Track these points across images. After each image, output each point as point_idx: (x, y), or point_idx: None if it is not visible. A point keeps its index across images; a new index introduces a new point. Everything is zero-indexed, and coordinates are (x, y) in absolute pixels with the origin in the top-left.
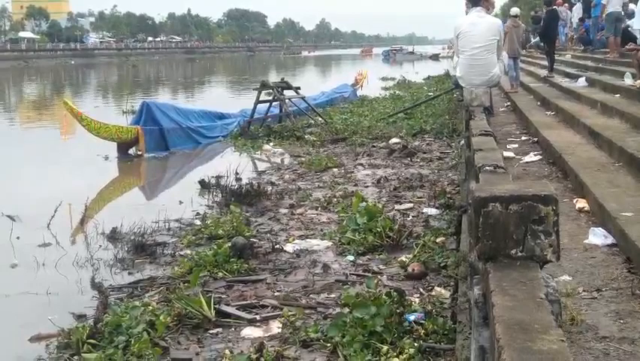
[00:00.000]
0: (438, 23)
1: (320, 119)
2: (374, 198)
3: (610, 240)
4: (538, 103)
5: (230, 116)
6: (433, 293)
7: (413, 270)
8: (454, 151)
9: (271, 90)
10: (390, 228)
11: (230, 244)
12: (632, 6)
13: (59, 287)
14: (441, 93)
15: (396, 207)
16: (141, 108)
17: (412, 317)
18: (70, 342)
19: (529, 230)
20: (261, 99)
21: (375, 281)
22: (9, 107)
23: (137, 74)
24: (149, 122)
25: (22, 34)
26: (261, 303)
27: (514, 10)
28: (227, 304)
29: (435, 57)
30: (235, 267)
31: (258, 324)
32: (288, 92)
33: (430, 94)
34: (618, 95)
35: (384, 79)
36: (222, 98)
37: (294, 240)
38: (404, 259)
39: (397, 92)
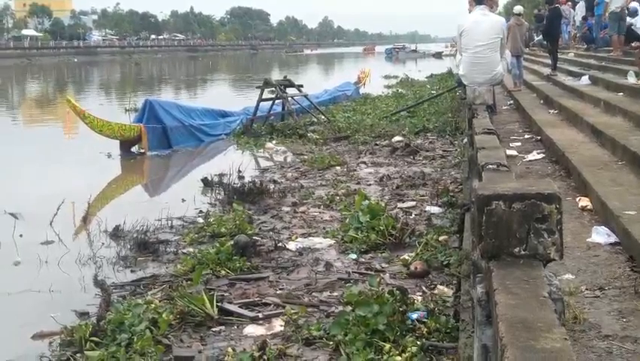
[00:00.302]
0: (441, 21)
1: (323, 117)
2: (377, 196)
3: (613, 238)
4: (541, 101)
5: (232, 114)
6: (436, 292)
7: (416, 268)
8: (456, 149)
9: (274, 88)
10: (393, 226)
11: (232, 242)
12: (634, 4)
13: (62, 285)
14: (444, 91)
15: (399, 205)
16: (144, 106)
17: (414, 316)
18: (72, 340)
19: (532, 228)
20: (263, 97)
21: (378, 279)
22: (12, 105)
23: (139, 72)
24: (152, 120)
25: (25, 32)
26: (263, 301)
27: (518, 9)
28: (230, 302)
29: (438, 55)
30: (238, 265)
31: (261, 322)
32: (290, 90)
33: (432, 92)
34: (621, 93)
35: (387, 77)
36: (225, 96)
37: (296, 238)
38: (407, 258)
39: (400, 90)
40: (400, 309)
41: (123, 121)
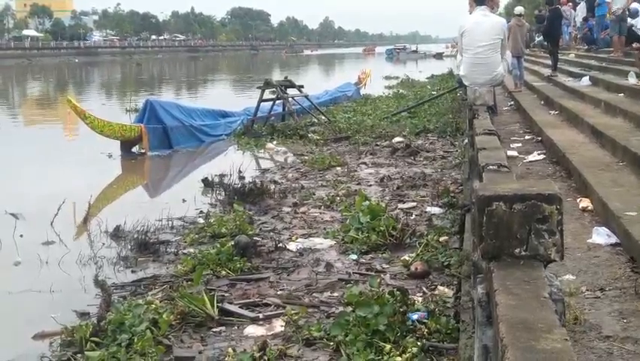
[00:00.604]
0: (441, 22)
1: (323, 117)
2: (377, 196)
3: (613, 239)
4: (542, 102)
5: (233, 115)
6: (436, 292)
7: (416, 269)
8: (457, 150)
9: (275, 89)
10: (394, 227)
11: (233, 243)
12: (635, 5)
13: (63, 285)
14: (444, 92)
15: (400, 206)
16: (145, 106)
17: (414, 316)
18: (73, 340)
19: (533, 229)
20: (264, 98)
21: (378, 280)
22: (13, 105)
23: (140, 73)
24: (153, 120)
25: (25, 32)
26: (264, 301)
27: (518, 9)
28: (231, 303)
29: (438, 56)
30: (238, 265)
31: (261, 323)
32: (291, 91)
33: (433, 93)
34: (622, 94)
35: (387, 78)
36: (226, 97)
37: (297, 238)
38: (407, 258)
39: (401, 90)
40: (401, 310)
41: (124, 121)
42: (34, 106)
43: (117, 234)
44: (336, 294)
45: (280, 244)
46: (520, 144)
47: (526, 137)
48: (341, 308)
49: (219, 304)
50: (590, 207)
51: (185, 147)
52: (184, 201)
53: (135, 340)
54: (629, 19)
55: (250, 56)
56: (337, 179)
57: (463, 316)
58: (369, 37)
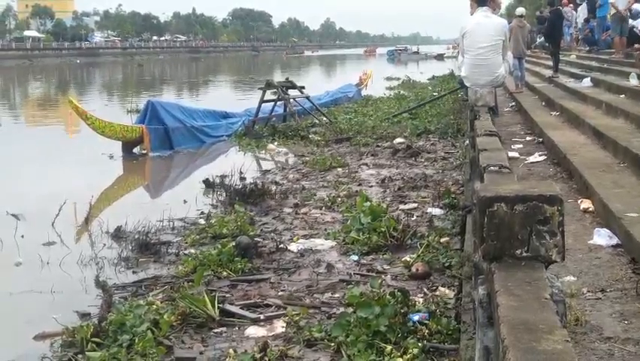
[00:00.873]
0: (443, 23)
1: (324, 118)
2: (378, 197)
3: (614, 240)
4: (543, 103)
5: (234, 116)
6: (437, 293)
7: (417, 270)
8: (458, 151)
9: (276, 90)
10: (395, 228)
11: (234, 244)
12: (636, 6)
13: (64, 286)
14: (445, 93)
15: (401, 207)
16: (146, 107)
17: (415, 317)
18: (74, 341)
19: (534, 230)
20: (265, 99)
21: (379, 281)
22: (14, 105)
23: (142, 73)
24: (154, 121)
25: (27, 32)
26: (265, 302)
27: (520, 10)
28: (231, 304)
29: (440, 57)
30: (239, 266)
31: (262, 323)
32: (292, 92)
33: (434, 94)
34: (623, 95)
35: (388, 79)
36: (227, 98)
37: (298, 239)
38: (408, 259)
39: (402, 92)
40: (402, 311)
41: (125, 122)
42: (36, 106)
43: (118, 234)
44: (337, 295)
45: (281, 245)
46: (521, 145)
47: (528, 138)
48: (342, 309)
49: (220, 305)
50: (591, 209)
51: (186, 147)
52: (185, 201)
53: (136, 340)
54: (630, 20)
55: (251, 57)
56: (338, 180)
57: (464, 317)
58: (371, 38)
